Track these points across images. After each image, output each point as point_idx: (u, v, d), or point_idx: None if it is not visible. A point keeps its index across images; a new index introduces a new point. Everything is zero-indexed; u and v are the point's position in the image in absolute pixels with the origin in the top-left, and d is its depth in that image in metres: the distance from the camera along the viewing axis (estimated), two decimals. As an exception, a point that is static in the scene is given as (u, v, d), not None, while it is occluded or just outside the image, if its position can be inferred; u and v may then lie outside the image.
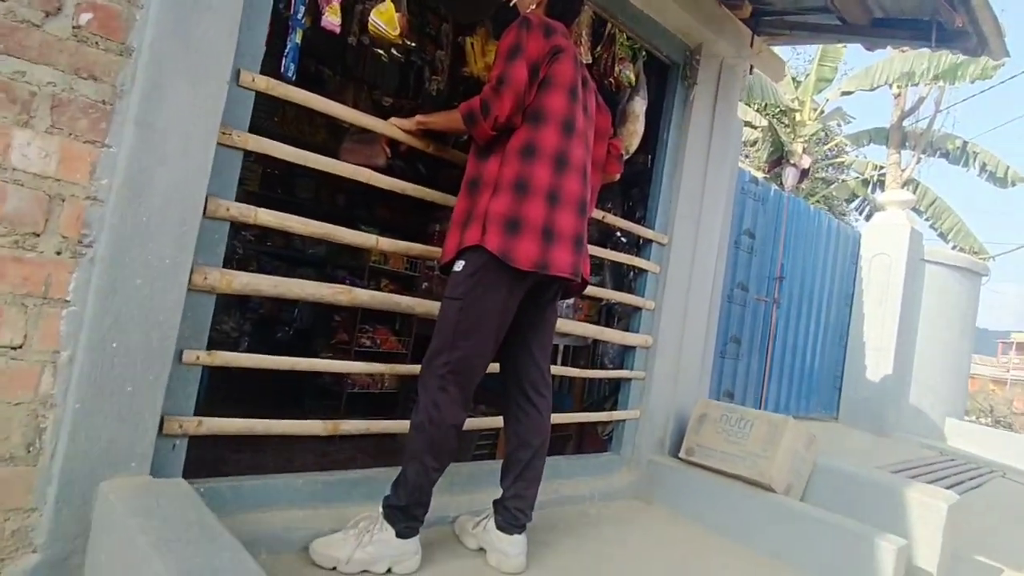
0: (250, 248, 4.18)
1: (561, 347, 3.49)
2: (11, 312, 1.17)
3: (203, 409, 1.48)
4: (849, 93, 9.96)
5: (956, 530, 2.32)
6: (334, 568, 1.51)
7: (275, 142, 1.57)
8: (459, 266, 1.61)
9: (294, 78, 1.82)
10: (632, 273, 2.93)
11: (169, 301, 1.33)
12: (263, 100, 1.55)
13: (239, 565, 0.99)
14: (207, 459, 1.60)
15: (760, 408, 4.47)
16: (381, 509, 1.59)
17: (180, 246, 1.34)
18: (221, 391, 2.89)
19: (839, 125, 12.66)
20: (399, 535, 1.56)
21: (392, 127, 1.83)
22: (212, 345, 1.48)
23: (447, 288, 1.64)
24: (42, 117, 1.19)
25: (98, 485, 1.23)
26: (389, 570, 1.55)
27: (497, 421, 2.08)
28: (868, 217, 11.89)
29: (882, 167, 11.34)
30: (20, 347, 1.18)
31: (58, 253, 1.22)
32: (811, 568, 2.05)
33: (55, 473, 1.20)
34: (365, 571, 1.52)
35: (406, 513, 1.57)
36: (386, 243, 1.87)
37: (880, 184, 11.44)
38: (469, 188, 1.69)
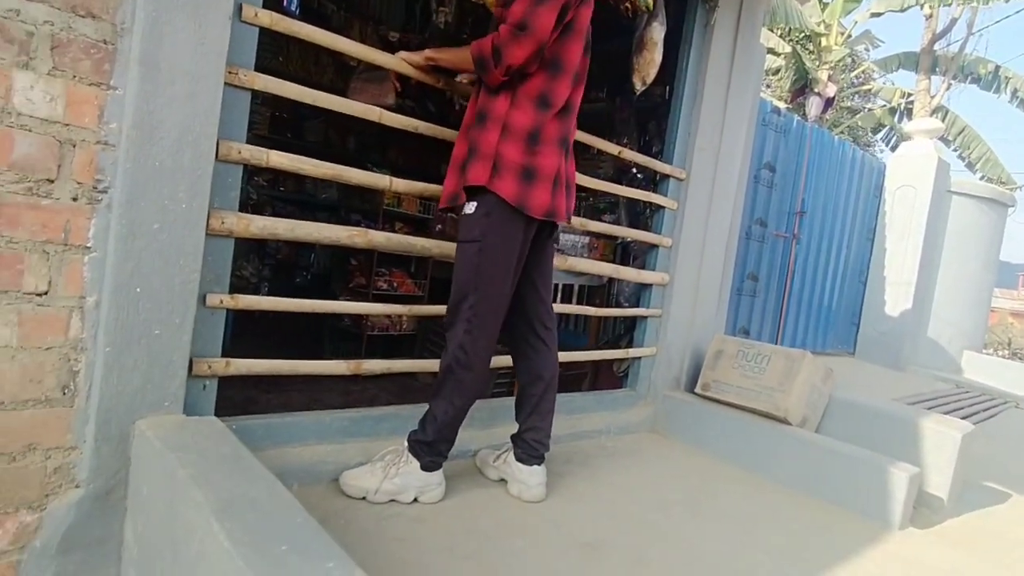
0: (263, 193, 4.17)
1: (576, 287, 3.49)
2: (33, 259, 1.18)
3: (230, 354, 1.51)
4: (879, 15, 9.43)
5: (968, 458, 2.35)
6: (363, 498, 1.59)
7: (283, 81, 1.53)
8: (471, 208, 1.60)
9: (298, 12, 1.75)
10: (648, 210, 2.89)
11: (188, 245, 1.34)
12: (267, 39, 1.50)
13: (274, 495, 1.03)
14: (237, 400, 1.65)
15: (776, 344, 4.49)
16: (407, 443, 1.65)
17: (195, 190, 1.34)
18: (245, 337, 2.96)
19: (867, 50, 12.04)
20: (424, 468, 1.62)
21: (401, 62, 1.77)
22: (233, 290, 1.50)
23: (461, 232, 1.63)
24: (43, 59, 1.16)
25: (134, 423, 1.28)
26: (415, 499, 1.62)
27: (515, 359, 2.10)
28: (894, 148, 11.48)
29: (910, 94, 10.86)
30: (46, 293, 1.20)
31: (74, 199, 1.22)
32: (825, 495, 2.10)
33: (91, 413, 1.25)
34: (393, 500, 1.60)
35: (432, 448, 1.63)
36: (400, 184, 1.85)
37: (908, 112, 10.98)
38: (472, 127, 1.64)
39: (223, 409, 1.49)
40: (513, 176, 1.56)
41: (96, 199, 1.24)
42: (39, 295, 1.19)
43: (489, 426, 2.04)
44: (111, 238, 1.24)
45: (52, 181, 1.19)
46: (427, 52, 1.77)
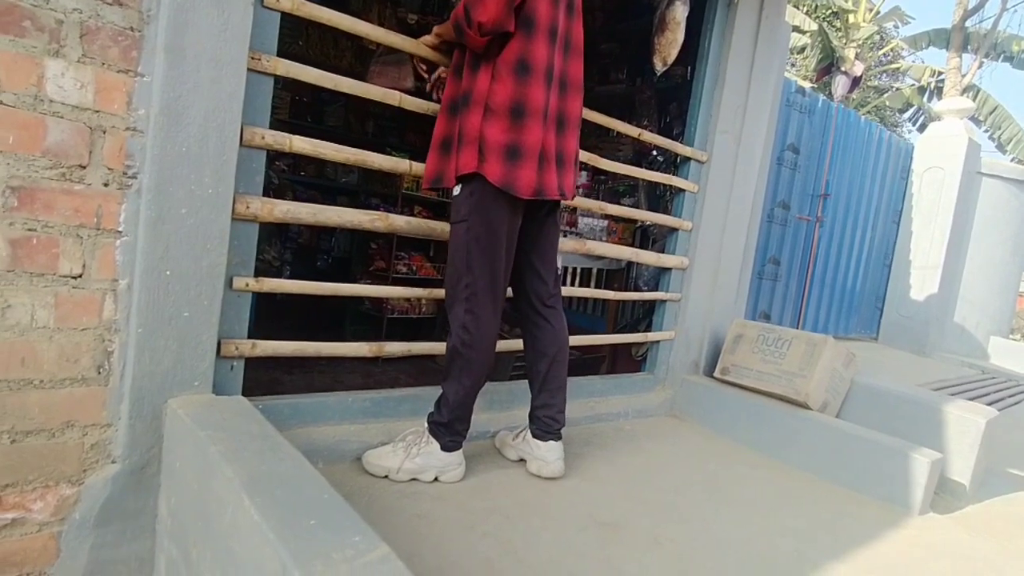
0: (284, 178, 4.21)
1: (594, 270, 3.48)
2: (67, 243, 1.22)
3: (254, 336, 1.55)
4: (909, -10, 9.11)
5: (992, 445, 2.32)
6: (385, 476, 1.63)
7: (305, 66, 1.54)
8: (457, 190, 1.60)
9: (317, -3, 1.75)
10: (668, 193, 2.86)
11: (215, 229, 1.37)
12: (286, 24, 1.51)
13: (300, 472, 1.06)
14: (263, 380, 1.69)
15: (798, 329, 4.45)
16: (426, 424, 1.68)
17: (220, 175, 1.36)
18: (268, 321, 3.02)
19: (896, 27, 11.69)
20: (443, 448, 1.65)
21: (421, 46, 1.77)
22: (257, 274, 1.53)
23: (452, 213, 1.64)
24: (72, 46, 1.19)
25: (166, 402, 1.32)
26: (436, 479, 1.65)
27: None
28: (922, 128, 11.17)
29: (941, 73, 10.52)
30: (80, 276, 1.24)
31: (105, 185, 1.25)
32: (845, 480, 2.10)
33: (125, 392, 1.29)
34: (414, 479, 1.63)
35: (449, 429, 1.66)
36: (419, 167, 1.85)
37: (938, 92, 10.66)
38: (454, 106, 1.62)
39: (249, 389, 1.53)
40: (498, 158, 1.53)
41: (126, 184, 1.27)
42: (74, 278, 1.23)
43: (508, 408, 2.07)
44: (141, 222, 1.28)
45: (84, 167, 1.22)
46: (435, 30, 1.76)
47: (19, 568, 1.22)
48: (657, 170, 2.82)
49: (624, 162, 2.92)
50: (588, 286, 3.42)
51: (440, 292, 2.15)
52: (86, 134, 1.22)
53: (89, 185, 1.23)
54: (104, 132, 1.24)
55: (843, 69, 9.17)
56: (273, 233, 4.21)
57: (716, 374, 2.62)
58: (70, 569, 1.26)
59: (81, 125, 1.21)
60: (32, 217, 1.17)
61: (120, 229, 1.27)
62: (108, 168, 1.25)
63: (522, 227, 1.69)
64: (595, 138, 3.80)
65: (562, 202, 1.78)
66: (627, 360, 3.24)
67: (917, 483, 1.97)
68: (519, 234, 1.69)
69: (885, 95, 12.14)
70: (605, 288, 3.42)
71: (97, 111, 1.22)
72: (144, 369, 1.30)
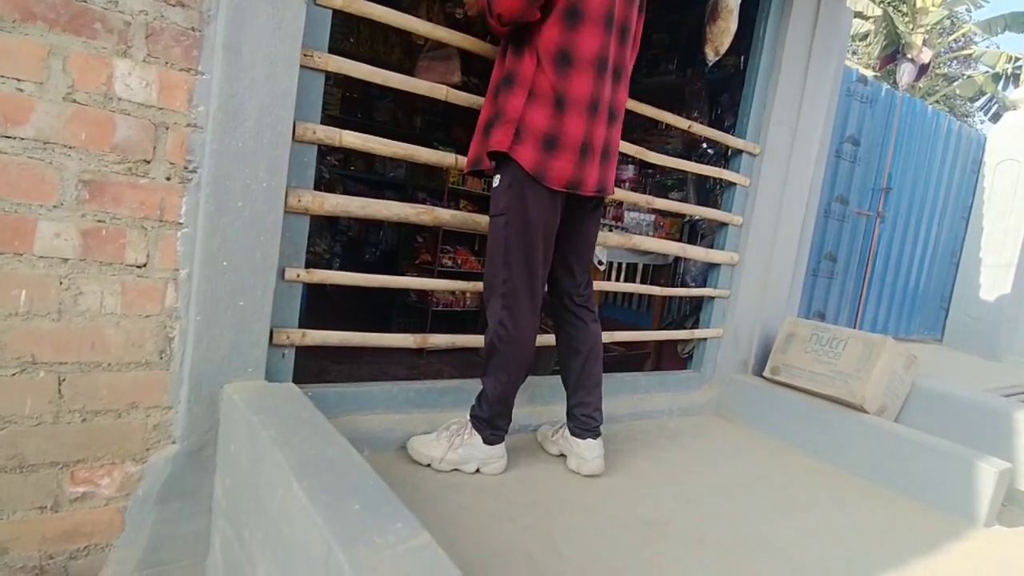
0: (335, 173, 4.32)
1: (640, 266, 3.43)
2: (133, 234, 1.28)
3: (304, 326, 1.60)
4: (985, -30, 8.54)
5: (1071, 456, 2.17)
6: (428, 465, 1.65)
7: (355, 62, 1.57)
8: (496, 181, 1.59)
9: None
10: (719, 187, 2.79)
11: (268, 222, 1.41)
12: (338, 21, 1.54)
13: (347, 458, 1.09)
14: (312, 369, 1.75)
15: (855, 329, 4.27)
16: (469, 417, 1.70)
17: (274, 169, 1.41)
18: (317, 312, 3.11)
19: (968, 11, 10.99)
20: (485, 441, 1.66)
21: (465, 38, 1.77)
22: (308, 266, 1.57)
23: (491, 206, 1.63)
24: (138, 47, 1.25)
25: (222, 387, 1.38)
26: (477, 470, 1.67)
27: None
28: (996, 118, 10.49)
29: (1018, 59, 9.84)
30: (144, 265, 1.31)
31: (168, 179, 1.31)
32: (903, 488, 2.00)
33: (185, 377, 1.36)
34: (456, 469, 1.66)
35: (490, 423, 1.67)
36: (465, 161, 1.87)
37: (1014, 79, 9.98)
38: (500, 89, 1.58)
39: (299, 377, 1.58)
40: (534, 143, 1.50)
41: (187, 178, 1.33)
42: (139, 267, 1.30)
43: (550, 403, 2.06)
44: (200, 215, 1.33)
45: (148, 162, 1.28)
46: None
47: (88, 539, 1.30)
48: (707, 163, 2.75)
49: (672, 155, 2.86)
50: (634, 281, 3.37)
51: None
52: (150, 130, 1.28)
53: (153, 179, 1.29)
54: (167, 128, 1.29)
55: (909, 56, 8.70)
56: (324, 226, 4.33)
57: (766, 373, 2.54)
58: (133, 542, 1.33)
59: (146, 122, 1.27)
60: (101, 209, 1.24)
61: (181, 221, 1.33)
62: (170, 163, 1.31)
63: (562, 221, 1.66)
64: (642, 131, 3.74)
65: (606, 197, 1.75)
66: (673, 357, 3.18)
67: (983, 493, 1.86)
68: (559, 227, 1.67)
69: (955, 83, 11.45)
70: (651, 284, 3.36)
71: (160, 108, 1.28)
72: (202, 355, 1.36)
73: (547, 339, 1.97)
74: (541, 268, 1.64)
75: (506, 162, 1.55)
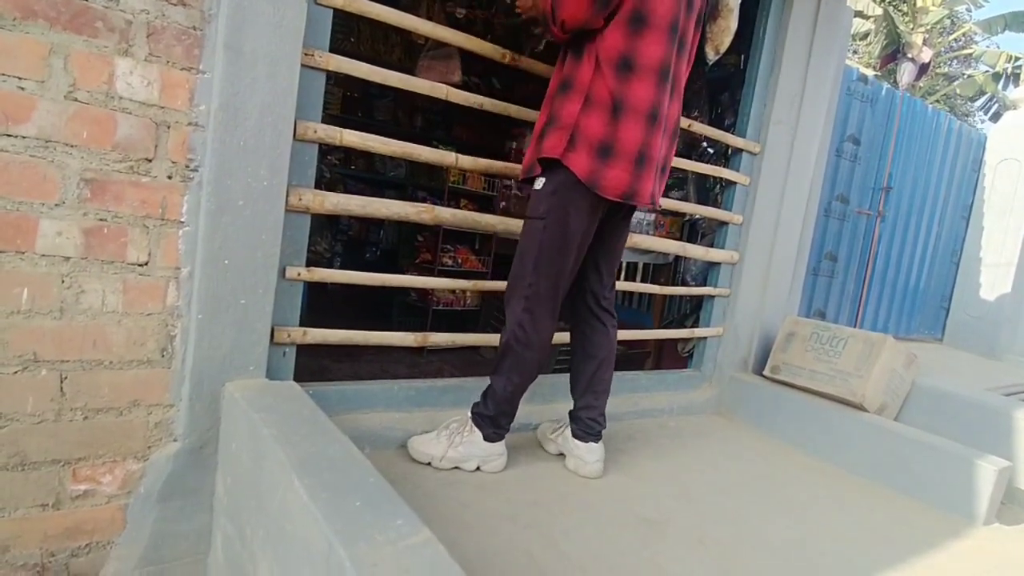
0: (335, 172, 4.32)
1: (640, 265, 3.43)
2: (135, 232, 1.29)
3: (305, 325, 1.60)
4: (985, -31, 8.54)
5: (1071, 455, 2.17)
6: (429, 463, 1.66)
7: (355, 61, 1.57)
8: (539, 184, 1.57)
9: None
10: (719, 186, 2.79)
11: (269, 221, 1.42)
12: (339, 20, 1.55)
13: (347, 456, 1.10)
14: (313, 367, 1.75)
15: (855, 328, 4.27)
16: (470, 414, 1.70)
17: (275, 168, 1.41)
18: (318, 311, 3.12)
19: (968, 10, 10.98)
20: (486, 439, 1.67)
21: (468, 38, 1.78)
22: (309, 264, 1.57)
23: (529, 208, 1.61)
24: (140, 45, 1.25)
25: (223, 385, 1.38)
26: (477, 468, 1.67)
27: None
28: (996, 118, 10.49)
29: (1018, 58, 9.84)
30: (146, 264, 1.31)
31: (169, 177, 1.31)
32: (902, 487, 2.01)
33: (186, 374, 1.36)
34: (456, 467, 1.66)
35: (493, 421, 1.67)
36: (466, 160, 1.87)
37: (1014, 78, 9.97)
38: (556, 95, 1.56)
39: (300, 375, 1.59)
40: (589, 151, 1.48)
41: (188, 177, 1.33)
42: (140, 265, 1.30)
43: (551, 401, 2.07)
44: (202, 213, 1.34)
45: (150, 160, 1.29)
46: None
47: (90, 536, 1.30)
48: (707, 162, 2.75)
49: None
50: (634, 280, 3.37)
51: (485, 284, 2.17)
52: (152, 129, 1.28)
53: (155, 177, 1.30)
54: (168, 127, 1.30)
55: (909, 56, 8.70)
56: (324, 225, 4.34)
57: (766, 372, 2.55)
58: (135, 540, 1.33)
59: (148, 120, 1.27)
60: (103, 208, 1.25)
61: (183, 220, 1.34)
62: (172, 161, 1.31)
63: (598, 227, 1.65)
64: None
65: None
66: (673, 356, 3.19)
67: (982, 492, 1.87)
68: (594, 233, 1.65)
69: (955, 83, 11.44)
70: (651, 282, 3.36)
71: (162, 107, 1.29)
72: (204, 353, 1.36)
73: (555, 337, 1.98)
74: (568, 277, 1.63)
75: (555, 168, 1.52)
